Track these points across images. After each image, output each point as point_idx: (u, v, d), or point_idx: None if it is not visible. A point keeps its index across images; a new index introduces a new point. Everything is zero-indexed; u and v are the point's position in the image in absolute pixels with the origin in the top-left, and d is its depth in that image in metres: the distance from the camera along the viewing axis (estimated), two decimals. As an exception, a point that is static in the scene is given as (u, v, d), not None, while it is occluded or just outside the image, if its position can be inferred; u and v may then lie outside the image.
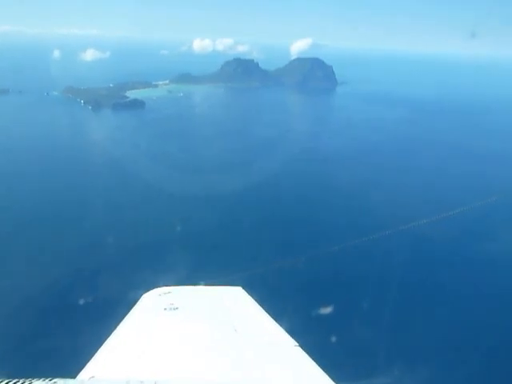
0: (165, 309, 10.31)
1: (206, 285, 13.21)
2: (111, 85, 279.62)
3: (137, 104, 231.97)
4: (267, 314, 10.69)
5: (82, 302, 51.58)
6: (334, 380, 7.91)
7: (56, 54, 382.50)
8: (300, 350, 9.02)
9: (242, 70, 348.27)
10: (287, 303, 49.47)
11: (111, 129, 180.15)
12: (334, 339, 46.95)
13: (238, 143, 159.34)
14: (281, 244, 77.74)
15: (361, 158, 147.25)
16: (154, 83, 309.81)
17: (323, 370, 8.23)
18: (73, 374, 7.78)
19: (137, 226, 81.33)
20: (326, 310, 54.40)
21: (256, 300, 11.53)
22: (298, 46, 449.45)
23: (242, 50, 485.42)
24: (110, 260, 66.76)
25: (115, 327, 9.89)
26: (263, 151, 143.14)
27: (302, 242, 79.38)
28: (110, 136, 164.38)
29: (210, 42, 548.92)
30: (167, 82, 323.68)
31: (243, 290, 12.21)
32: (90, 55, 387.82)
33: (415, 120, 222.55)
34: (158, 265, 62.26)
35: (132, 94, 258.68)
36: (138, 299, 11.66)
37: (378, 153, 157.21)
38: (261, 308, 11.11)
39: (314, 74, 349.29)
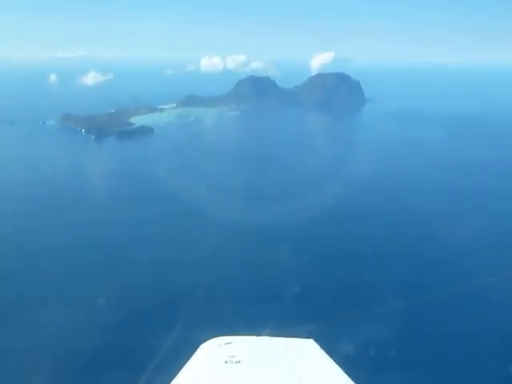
0: (225, 362, 10.50)
1: (274, 335, 13.08)
2: (112, 110, 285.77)
3: (144, 131, 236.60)
4: (343, 372, 10.49)
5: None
6: None
7: (51, 79, 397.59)
8: None
9: (256, 89, 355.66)
10: (370, 362, 48.44)
11: (120, 162, 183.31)
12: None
13: (266, 175, 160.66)
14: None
15: (407, 184, 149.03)
16: (159, 107, 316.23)
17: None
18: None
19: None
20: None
21: (332, 356, 11.34)
22: (319, 61, 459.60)
23: (256, 67, 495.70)
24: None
25: (171, 380, 10.13)
26: (297, 183, 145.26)
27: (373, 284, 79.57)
28: (120, 171, 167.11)
29: (220, 60, 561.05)
30: (174, 105, 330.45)
31: (315, 343, 12.20)
32: (91, 79, 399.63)
33: (455, 140, 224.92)
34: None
35: (137, 120, 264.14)
36: (195, 349, 11.79)
37: (424, 179, 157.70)
38: (336, 365, 10.95)
39: (338, 90, 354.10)
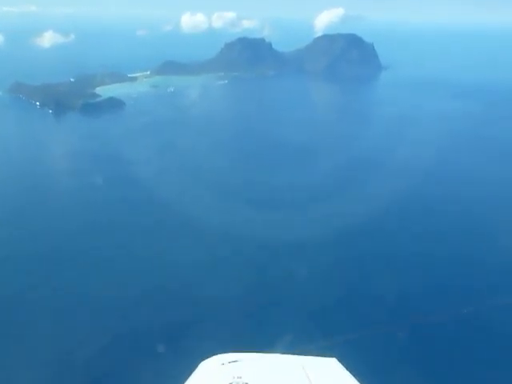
0: (230, 383, 10.47)
1: (291, 353, 13.06)
2: (72, 79, 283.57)
3: (113, 105, 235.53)
4: None
5: None
6: None
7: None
8: None
9: (249, 53, 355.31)
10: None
11: (83, 142, 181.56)
12: None
13: (263, 158, 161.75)
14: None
15: (433, 169, 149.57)
16: (130, 75, 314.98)
17: None
18: None
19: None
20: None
21: (356, 376, 11.39)
22: (325, 20, 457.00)
23: (249, 26, 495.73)
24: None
25: None
26: (301, 169, 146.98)
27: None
28: (84, 152, 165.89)
29: (205, 18, 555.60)
30: (148, 72, 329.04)
31: (338, 362, 12.22)
32: (46, 40, 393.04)
33: (486, 115, 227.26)
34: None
35: (104, 91, 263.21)
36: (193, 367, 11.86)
37: (451, 162, 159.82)
38: None
39: (348, 55, 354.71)
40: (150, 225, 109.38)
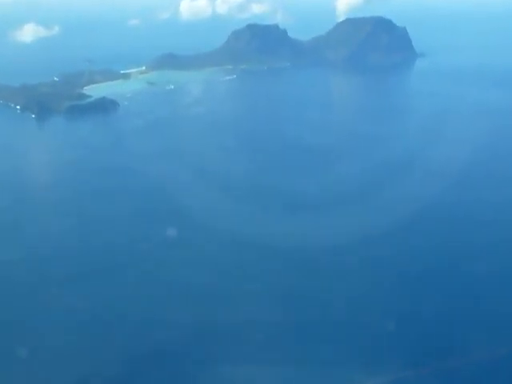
0: None
1: None
2: (56, 78, 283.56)
3: (105, 106, 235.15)
4: None
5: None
6: None
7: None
8: None
9: (260, 42, 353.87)
10: None
11: (74, 151, 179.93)
12: None
13: (285, 163, 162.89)
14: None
15: (484, 172, 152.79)
16: (123, 72, 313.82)
17: None
18: None
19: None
20: None
21: None
22: (348, 1, 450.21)
23: (259, 11, 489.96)
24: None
25: None
26: (332, 174, 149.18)
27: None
28: (72, 162, 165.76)
29: (207, 3, 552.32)
30: (143, 68, 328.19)
31: None
32: (27, 34, 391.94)
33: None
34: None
35: (93, 91, 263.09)
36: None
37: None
38: None
39: (376, 41, 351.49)
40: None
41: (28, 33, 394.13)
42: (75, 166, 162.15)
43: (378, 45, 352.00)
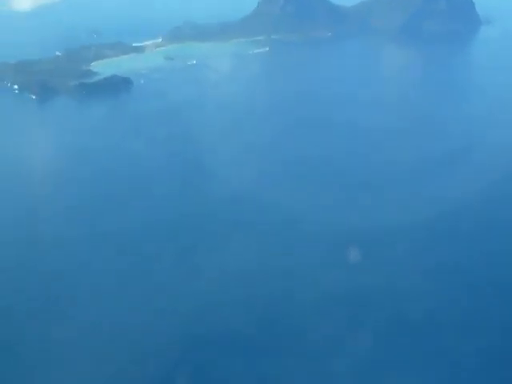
0: None
1: None
2: (59, 53, 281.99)
3: (117, 85, 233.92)
4: None
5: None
6: None
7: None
8: None
9: (296, 8, 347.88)
10: None
11: (82, 138, 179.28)
12: None
13: (341, 150, 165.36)
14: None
15: None
16: (135, 45, 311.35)
17: None
18: None
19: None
20: None
21: None
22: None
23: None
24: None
25: None
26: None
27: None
28: (83, 153, 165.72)
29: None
30: (159, 40, 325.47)
31: None
32: (25, 1, 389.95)
33: None
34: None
35: (102, 67, 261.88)
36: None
37: None
38: None
39: (434, 6, 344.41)
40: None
41: (27, 1, 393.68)
42: (86, 155, 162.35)
43: (436, 10, 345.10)
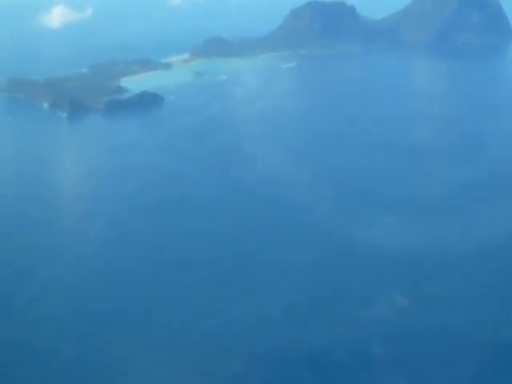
0: None
1: None
2: (85, 69, 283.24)
3: (148, 101, 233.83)
4: None
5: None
6: None
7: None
8: None
9: (324, 22, 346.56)
10: None
11: (119, 156, 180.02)
12: None
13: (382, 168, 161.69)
14: None
15: None
16: (164, 61, 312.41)
17: None
18: None
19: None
20: None
21: None
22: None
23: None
24: None
25: None
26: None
27: None
28: (124, 172, 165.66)
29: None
30: (187, 56, 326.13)
31: None
32: (55, 18, 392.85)
33: None
34: None
35: (132, 84, 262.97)
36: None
37: None
38: None
39: (465, 19, 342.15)
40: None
41: (56, 17, 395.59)
42: (125, 174, 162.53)
43: (468, 23, 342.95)
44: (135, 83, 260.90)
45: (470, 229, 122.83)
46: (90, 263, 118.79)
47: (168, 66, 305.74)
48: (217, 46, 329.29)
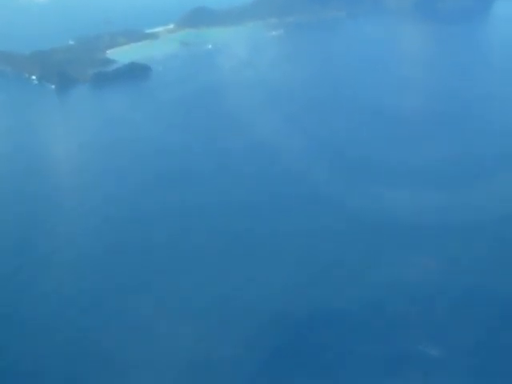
0: None
1: None
2: (71, 42, 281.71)
3: (136, 72, 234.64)
4: None
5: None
6: None
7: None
8: None
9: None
10: None
11: (111, 128, 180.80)
12: None
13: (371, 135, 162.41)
14: None
15: None
16: (149, 31, 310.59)
17: None
18: None
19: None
20: None
21: None
22: None
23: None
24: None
25: None
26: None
27: None
28: (118, 145, 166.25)
29: None
30: (172, 26, 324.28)
31: None
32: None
33: None
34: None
35: (118, 55, 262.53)
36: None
37: None
38: None
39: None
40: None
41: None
42: (118, 146, 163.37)
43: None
44: (122, 55, 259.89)
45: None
46: (87, 238, 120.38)
47: (154, 37, 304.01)
48: (202, 16, 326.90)
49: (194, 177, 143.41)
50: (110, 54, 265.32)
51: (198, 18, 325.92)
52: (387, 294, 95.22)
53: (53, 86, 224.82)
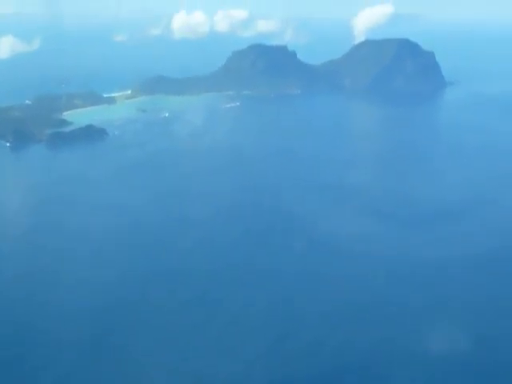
0: None
1: None
2: (28, 101, 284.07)
3: (93, 135, 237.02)
4: None
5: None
6: None
7: None
8: None
9: (266, 65, 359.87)
10: None
11: (64, 187, 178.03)
12: None
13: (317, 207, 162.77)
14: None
15: None
16: (106, 95, 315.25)
17: None
18: None
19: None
20: None
21: None
22: (368, 20, 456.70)
23: (265, 29, 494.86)
24: None
25: None
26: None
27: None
28: (69, 203, 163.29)
29: (205, 18, 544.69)
30: (129, 92, 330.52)
31: None
32: (4, 48, 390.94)
33: None
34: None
35: (75, 117, 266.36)
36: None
37: None
38: None
39: (401, 67, 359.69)
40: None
41: (4, 47, 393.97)
42: (69, 204, 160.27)
43: (403, 71, 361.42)
44: (79, 117, 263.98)
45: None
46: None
47: (110, 101, 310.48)
48: (160, 84, 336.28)
49: (144, 234, 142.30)
50: (67, 115, 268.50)
51: (155, 85, 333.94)
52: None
53: (8, 144, 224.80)
